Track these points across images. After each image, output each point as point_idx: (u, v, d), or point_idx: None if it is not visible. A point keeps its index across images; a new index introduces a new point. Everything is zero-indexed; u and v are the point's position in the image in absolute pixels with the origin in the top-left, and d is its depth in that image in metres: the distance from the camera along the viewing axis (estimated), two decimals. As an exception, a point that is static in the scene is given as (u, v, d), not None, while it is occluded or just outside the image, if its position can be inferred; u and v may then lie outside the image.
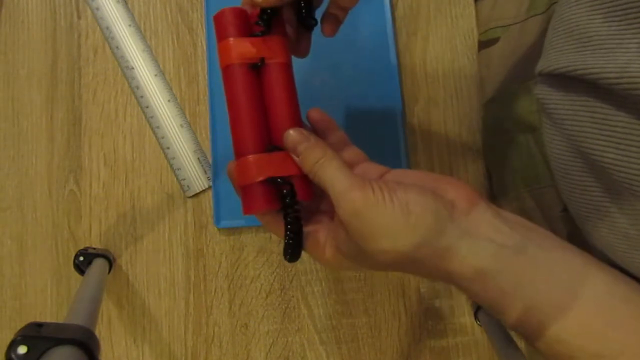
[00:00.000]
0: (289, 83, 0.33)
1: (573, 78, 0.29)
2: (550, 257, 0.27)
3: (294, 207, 0.31)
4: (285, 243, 0.31)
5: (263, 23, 0.31)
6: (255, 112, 0.32)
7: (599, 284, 0.27)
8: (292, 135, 0.31)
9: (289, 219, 0.31)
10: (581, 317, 0.26)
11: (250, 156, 0.31)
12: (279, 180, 0.31)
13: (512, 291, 0.26)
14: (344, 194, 0.27)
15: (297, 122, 0.33)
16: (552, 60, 0.31)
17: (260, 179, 0.31)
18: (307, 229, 0.32)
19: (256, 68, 0.32)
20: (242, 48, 0.31)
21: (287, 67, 0.33)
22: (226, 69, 0.32)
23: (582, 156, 0.31)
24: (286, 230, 0.31)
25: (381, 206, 0.27)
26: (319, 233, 0.32)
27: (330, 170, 0.29)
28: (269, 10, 0.31)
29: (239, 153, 0.32)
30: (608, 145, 0.28)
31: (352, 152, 0.34)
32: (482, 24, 0.53)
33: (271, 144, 0.32)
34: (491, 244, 0.27)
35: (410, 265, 0.28)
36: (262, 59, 0.32)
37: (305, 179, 0.31)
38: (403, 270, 0.29)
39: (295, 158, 0.31)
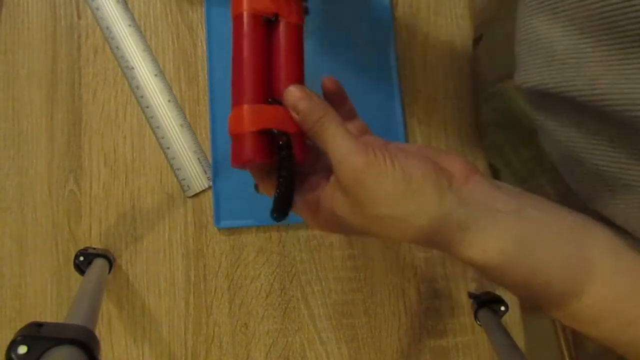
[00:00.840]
0: (298, 44, 0.32)
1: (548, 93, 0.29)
2: (547, 218, 0.27)
3: (289, 161, 0.30)
4: (275, 198, 0.30)
5: None
6: (259, 64, 0.31)
7: (602, 238, 0.27)
8: (294, 91, 0.30)
9: (283, 173, 0.30)
10: (603, 276, 0.26)
11: (246, 105, 0.30)
12: (275, 131, 0.30)
13: (514, 254, 0.26)
14: (346, 157, 0.27)
15: (301, 83, 0.32)
16: (524, 76, 0.31)
17: (253, 129, 0.29)
18: (302, 190, 0.31)
19: (269, 22, 0.31)
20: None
21: (299, 28, 0.32)
22: (237, 17, 0.31)
23: (581, 161, 0.31)
24: (278, 184, 0.30)
25: (382, 171, 0.26)
26: (313, 194, 0.31)
27: (332, 130, 0.28)
28: None
29: (236, 102, 0.31)
30: (597, 151, 0.28)
31: (358, 124, 0.34)
32: (473, 21, 0.53)
33: (272, 97, 0.31)
34: (489, 211, 0.27)
35: (407, 234, 0.27)
36: (277, 15, 0.31)
37: (301, 139, 0.31)
38: (402, 237, 0.29)
39: (295, 116, 0.30)
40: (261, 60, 0.31)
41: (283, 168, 0.30)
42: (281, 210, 0.31)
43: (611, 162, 0.27)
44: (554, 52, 0.29)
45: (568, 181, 0.35)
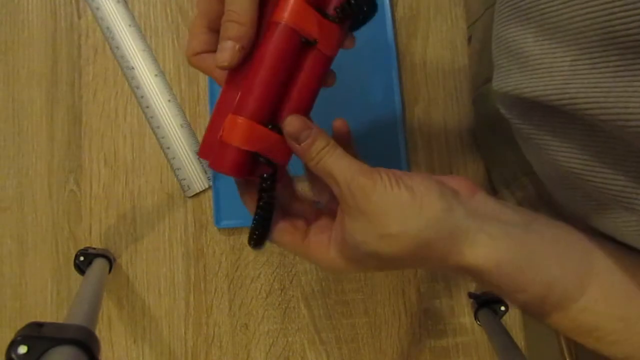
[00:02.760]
0: (321, 77, 0.31)
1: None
2: (555, 233, 0.28)
3: (271, 193, 0.29)
4: (252, 227, 0.30)
5: (340, 14, 0.29)
6: (276, 83, 0.29)
7: (606, 254, 0.28)
8: (294, 121, 0.29)
9: (261, 203, 0.29)
10: (602, 284, 0.27)
11: (243, 119, 0.28)
12: (262, 159, 0.29)
13: (527, 266, 0.27)
14: (353, 180, 0.27)
15: (307, 115, 0.31)
16: (501, 82, 0.32)
17: (241, 147, 0.29)
18: (309, 233, 0.31)
19: (305, 45, 0.29)
20: (307, 18, 0.28)
21: (329, 61, 0.31)
22: (276, 26, 0.28)
23: (558, 169, 0.31)
24: (256, 213, 0.30)
25: (389, 190, 0.27)
26: (321, 235, 0.31)
27: (336, 156, 0.28)
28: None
29: (237, 109, 0.29)
30: (571, 155, 0.28)
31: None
32: (466, 22, 0.54)
33: (273, 122, 0.30)
34: (498, 223, 0.27)
35: (419, 252, 0.27)
36: (315, 41, 0.29)
37: (283, 171, 0.31)
38: (411, 262, 0.29)
39: (295, 146, 0.29)
40: (280, 79, 0.29)
41: (263, 199, 0.30)
42: (256, 239, 0.31)
43: (582, 167, 0.28)
44: (527, 58, 0.29)
45: (553, 193, 0.36)
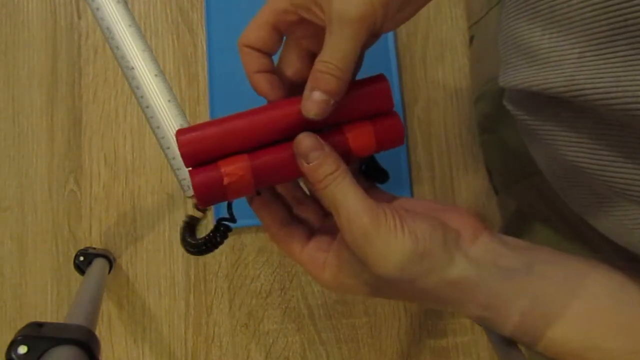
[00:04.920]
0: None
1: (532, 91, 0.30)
2: (560, 270, 0.28)
3: (220, 239, 0.32)
4: (201, 244, 0.33)
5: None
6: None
7: (597, 279, 0.27)
8: (306, 140, 0.27)
9: (216, 235, 0.32)
10: (587, 311, 0.26)
11: (225, 169, 0.28)
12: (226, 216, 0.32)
13: (530, 313, 0.27)
14: (356, 219, 0.26)
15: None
16: (509, 76, 0.32)
17: (233, 199, 0.29)
18: (308, 247, 0.31)
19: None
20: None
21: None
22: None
23: (565, 163, 0.31)
24: (208, 236, 0.32)
25: (392, 233, 0.26)
26: (319, 253, 0.31)
27: (343, 187, 0.27)
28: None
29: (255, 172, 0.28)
30: (579, 149, 0.28)
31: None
32: (467, 22, 0.54)
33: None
34: (499, 269, 0.27)
35: (415, 293, 0.28)
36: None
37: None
38: (407, 298, 0.29)
39: (303, 165, 0.28)
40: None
41: (218, 231, 0.32)
42: (195, 254, 0.34)
43: (591, 161, 0.28)
44: (535, 52, 0.29)
45: (558, 192, 0.36)
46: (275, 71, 0.31)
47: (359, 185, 0.27)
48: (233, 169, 0.28)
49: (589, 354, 0.26)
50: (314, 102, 0.27)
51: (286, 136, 0.28)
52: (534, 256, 0.28)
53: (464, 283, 0.27)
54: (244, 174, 0.28)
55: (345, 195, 0.26)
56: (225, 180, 0.28)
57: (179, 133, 0.28)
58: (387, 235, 0.26)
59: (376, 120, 0.30)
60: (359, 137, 0.29)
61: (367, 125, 0.30)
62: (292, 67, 0.31)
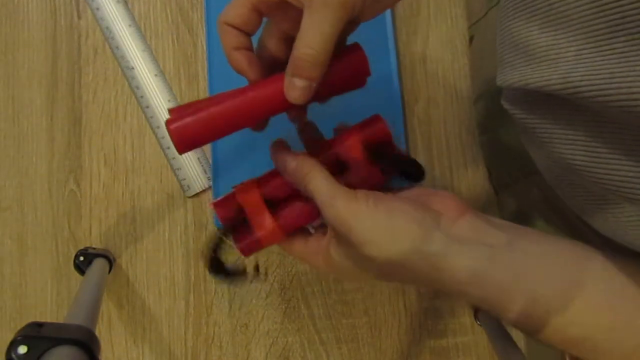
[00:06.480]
0: None
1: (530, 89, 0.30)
2: (542, 249, 0.28)
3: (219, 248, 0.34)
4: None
5: None
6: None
7: (598, 265, 0.28)
8: (281, 157, 0.32)
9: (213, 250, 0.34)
10: (589, 295, 0.27)
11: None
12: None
13: (511, 286, 0.27)
14: (327, 202, 0.28)
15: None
16: (507, 75, 0.32)
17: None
18: (309, 240, 0.34)
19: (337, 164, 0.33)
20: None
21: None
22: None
23: (561, 162, 0.31)
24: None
25: (364, 213, 0.28)
26: (314, 241, 0.33)
27: (317, 181, 0.30)
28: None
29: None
30: (575, 147, 0.29)
31: None
32: (467, 22, 0.54)
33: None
34: (481, 246, 0.27)
35: (403, 273, 0.28)
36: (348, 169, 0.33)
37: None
38: (399, 279, 0.30)
39: (287, 177, 0.32)
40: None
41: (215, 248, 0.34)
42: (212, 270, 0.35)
43: (587, 160, 0.28)
44: (532, 50, 0.29)
45: (556, 190, 0.36)
46: (253, 50, 0.32)
47: (332, 178, 0.30)
48: (266, 235, 0.33)
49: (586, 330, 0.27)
50: (296, 88, 0.28)
51: (274, 113, 0.31)
52: (519, 234, 0.29)
53: (444, 261, 0.27)
54: (277, 236, 0.33)
55: (320, 187, 0.29)
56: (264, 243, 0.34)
57: (169, 122, 0.30)
58: (359, 216, 0.27)
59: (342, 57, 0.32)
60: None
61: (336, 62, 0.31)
62: (271, 49, 0.32)
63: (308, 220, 0.33)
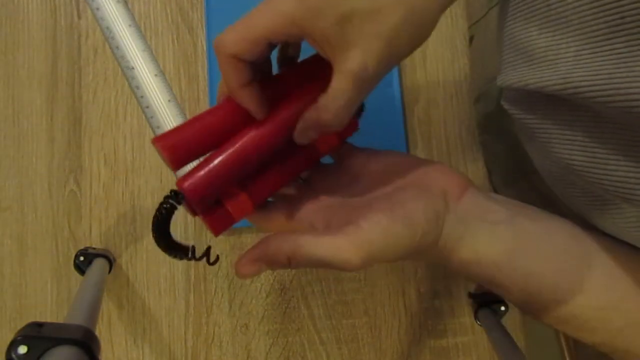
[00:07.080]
0: (307, 167, 0.33)
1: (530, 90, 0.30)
2: (539, 227, 0.29)
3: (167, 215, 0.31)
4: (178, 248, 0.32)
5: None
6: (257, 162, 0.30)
7: (593, 246, 0.29)
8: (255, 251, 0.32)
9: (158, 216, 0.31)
10: (582, 276, 0.27)
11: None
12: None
13: (509, 264, 0.28)
14: (334, 256, 0.26)
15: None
16: (507, 75, 0.32)
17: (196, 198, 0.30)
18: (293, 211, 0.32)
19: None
20: None
21: (321, 156, 0.33)
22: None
23: (560, 162, 0.31)
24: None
25: (385, 230, 0.26)
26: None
27: (307, 247, 0.27)
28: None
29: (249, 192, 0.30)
30: (574, 147, 0.29)
31: None
32: (467, 22, 0.54)
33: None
34: (484, 223, 0.28)
35: (419, 256, 0.28)
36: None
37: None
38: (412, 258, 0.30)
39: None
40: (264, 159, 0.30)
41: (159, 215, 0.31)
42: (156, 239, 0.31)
43: (585, 160, 0.28)
44: (531, 51, 0.30)
45: (556, 193, 0.36)
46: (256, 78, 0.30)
47: (317, 233, 0.28)
48: (237, 208, 0.31)
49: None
50: (309, 138, 0.29)
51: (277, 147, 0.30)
52: (517, 211, 0.29)
53: (453, 240, 0.28)
54: (247, 207, 0.31)
55: (315, 252, 0.27)
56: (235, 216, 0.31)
57: (157, 140, 0.30)
58: (385, 238, 0.26)
59: None
60: None
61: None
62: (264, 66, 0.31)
63: (278, 186, 0.32)
